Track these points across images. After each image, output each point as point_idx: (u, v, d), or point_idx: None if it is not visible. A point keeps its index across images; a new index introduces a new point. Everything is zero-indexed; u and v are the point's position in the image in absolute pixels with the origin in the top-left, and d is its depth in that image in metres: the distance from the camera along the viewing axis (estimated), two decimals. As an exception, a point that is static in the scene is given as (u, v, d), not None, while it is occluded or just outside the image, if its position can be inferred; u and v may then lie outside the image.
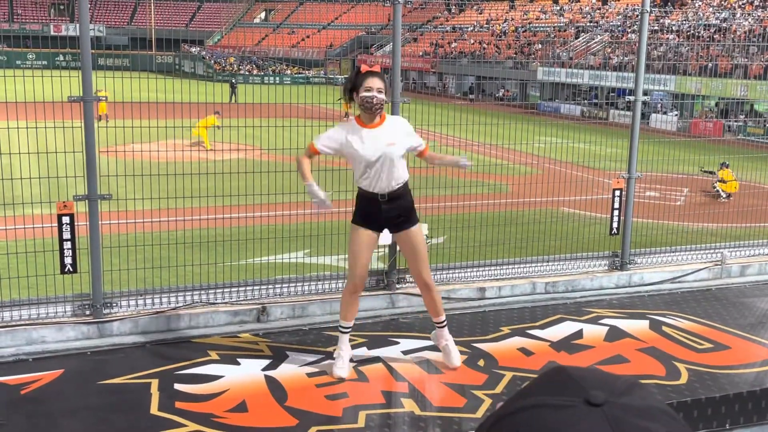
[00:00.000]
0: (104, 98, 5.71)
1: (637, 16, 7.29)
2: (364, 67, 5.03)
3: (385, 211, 4.98)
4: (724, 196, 16.33)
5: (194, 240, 7.00)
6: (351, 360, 5.24)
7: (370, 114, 4.95)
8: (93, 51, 5.69)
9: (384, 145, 4.91)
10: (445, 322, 5.33)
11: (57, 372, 5.07)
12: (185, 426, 4.39)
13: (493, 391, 4.96)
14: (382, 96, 4.90)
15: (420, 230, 5.19)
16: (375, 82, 4.89)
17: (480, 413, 4.65)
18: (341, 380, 5.01)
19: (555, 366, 0.93)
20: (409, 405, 4.76)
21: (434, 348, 5.63)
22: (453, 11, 64.89)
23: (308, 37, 68.37)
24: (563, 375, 0.89)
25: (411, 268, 5.31)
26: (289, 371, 5.16)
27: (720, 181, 16.77)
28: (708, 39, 28.79)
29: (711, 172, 16.37)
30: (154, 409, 4.58)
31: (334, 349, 5.25)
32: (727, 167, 16.29)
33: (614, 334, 6.08)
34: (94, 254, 5.68)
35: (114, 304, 5.80)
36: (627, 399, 0.83)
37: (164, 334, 5.76)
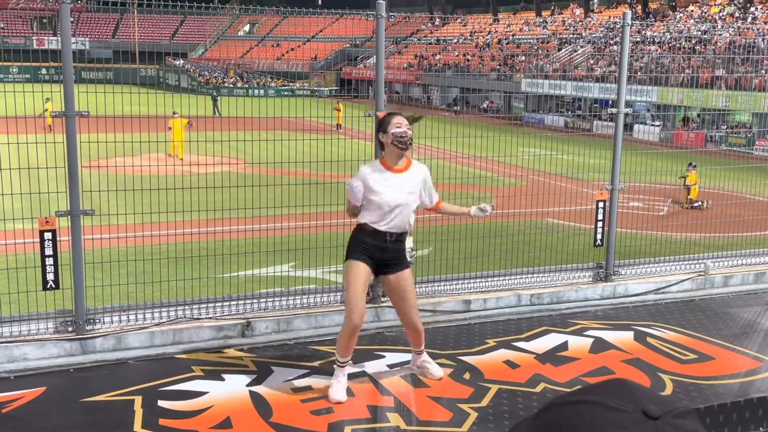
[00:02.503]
0: (86, 113, 5.64)
1: (619, 28, 7.35)
2: (381, 114, 5.16)
3: (390, 251, 4.97)
4: (702, 204, 16.35)
5: (178, 254, 6.96)
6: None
7: (399, 152, 4.94)
8: (76, 64, 5.66)
9: (405, 193, 4.93)
10: (423, 348, 5.40)
11: (39, 390, 5.01)
12: (169, 443, 4.34)
13: (479, 404, 4.95)
14: (411, 132, 4.95)
15: (411, 274, 5.16)
16: (403, 120, 4.95)
17: (466, 427, 4.64)
18: (338, 402, 4.90)
19: (617, 377, 0.97)
20: (394, 419, 4.74)
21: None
22: (437, 24, 65.22)
23: (293, 49, 68.47)
24: (624, 385, 0.91)
25: (400, 312, 5.18)
26: (274, 386, 5.13)
27: (685, 187, 16.77)
28: (689, 50, 29.07)
29: (684, 177, 16.44)
30: (137, 427, 4.53)
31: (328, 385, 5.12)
32: (694, 168, 16.28)
33: (599, 345, 6.09)
34: (76, 270, 5.63)
35: (97, 320, 5.75)
36: (680, 422, 0.85)
37: (148, 350, 5.71)
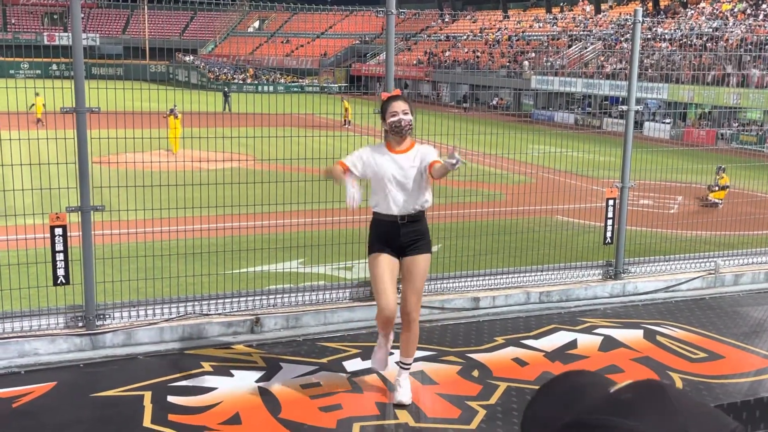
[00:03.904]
0: (97, 109, 5.65)
1: (630, 25, 7.32)
2: (384, 95, 5.09)
3: (404, 234, 4.86)
4: (719, 202, 16.31)
5: (188, 250, 6.97)
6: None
7: (400, 137, 4.92)
8: (87, 60, 5.68)
9: (408, 168, 4.87)
10: (411, 366, 5.07)
11: (49, 384, 5.03)
12: (178, 439, 4.36)
13: (487, 401, 4.94)
14: (409, 117, 4.88)
15: (427, 261, 4.97)
16: (399, 105, 4.90)
17: (474, 424, 4.63)
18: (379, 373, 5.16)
19: (659, 384, 0.88)
20: (403, 416, 4.75)
21: (428, 359, 5.62)
22: (446, 20, 65.09)
23: (302, 46, 68.49)
24: (667, 402, 0.84)
25: (402, 298, 5.01)
26: (282, 383, 5.14)
27: (719, 188, 16.72)
28: (700, 47, 28.92)
29: (725, 187, 16.38)
30: (147, 422, 4.55)
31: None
32: (723, 171, 16.23)
33: (609, 343, 6.08)
34: (87, 266, 5.66)
35: (107, 316, 5.77)
36: None
37: (157, 345, 5.73)
